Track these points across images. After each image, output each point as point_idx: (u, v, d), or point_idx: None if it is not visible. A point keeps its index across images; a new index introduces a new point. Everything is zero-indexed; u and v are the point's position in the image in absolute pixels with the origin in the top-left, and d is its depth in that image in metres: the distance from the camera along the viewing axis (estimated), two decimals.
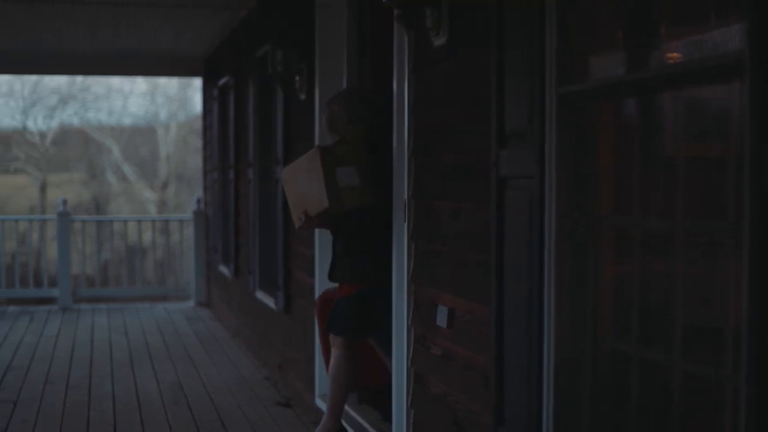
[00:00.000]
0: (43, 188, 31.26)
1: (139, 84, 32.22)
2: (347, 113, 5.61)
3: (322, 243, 7.06)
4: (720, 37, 2.78)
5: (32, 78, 29.84)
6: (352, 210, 5.32)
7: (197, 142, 24.08)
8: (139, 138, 33.22)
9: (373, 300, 5.51)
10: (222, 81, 12.18)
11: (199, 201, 14.37)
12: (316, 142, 7.12)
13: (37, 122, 31.43)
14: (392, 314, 5.44)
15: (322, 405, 6.88)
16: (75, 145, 33.18)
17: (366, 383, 6.13)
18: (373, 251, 5.48)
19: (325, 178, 5.13)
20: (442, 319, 4.65)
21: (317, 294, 7.12)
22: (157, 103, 32.63)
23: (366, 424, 6.34)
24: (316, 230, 7.10)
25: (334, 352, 5.67)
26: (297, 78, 7.69)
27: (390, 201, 5.43)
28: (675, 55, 3.05)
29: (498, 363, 3.96)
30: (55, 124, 31.75)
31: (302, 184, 5.34)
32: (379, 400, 6.42)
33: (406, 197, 5.13)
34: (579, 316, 3.54)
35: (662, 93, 3.12)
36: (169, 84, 31.49)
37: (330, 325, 5.67)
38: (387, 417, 5.71)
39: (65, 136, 32.70)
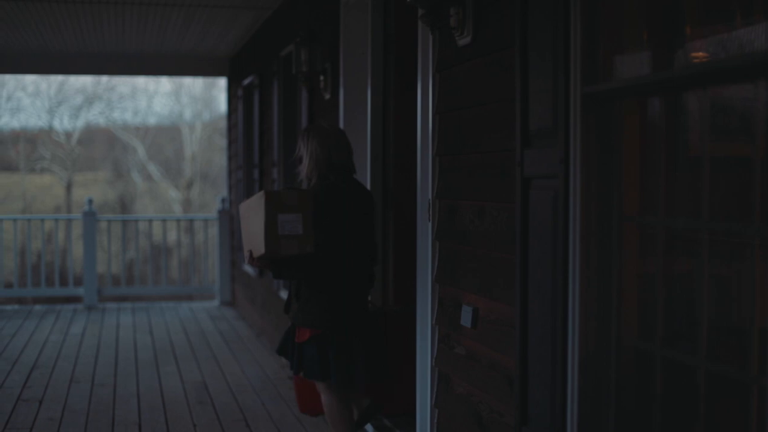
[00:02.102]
0: (68, 187, 31.41)
1: (164, 84, 32.37)
2: (308, 149, 5.53)
3: None
4: (746, 36, 2.77)
5: (58, 78, 30.01)
6: (292, 256, 5.25)
7: (222, 142, 24.14)
8: (164, 137, 33.33)
9: (330, 346, 5.44)
10: (247, 81, 12.20)
11: (224, 200, 14.41)
12: None
13: (62, 122, 31.62)
14: (358, 357, 5.41)
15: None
16: (100, 145, 33.33)
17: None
18: (324, 298, 5.39)
19: (266, 224, 5.11)
20: (466, 319, 4.65)
21: None
22: (182, 103, 32.76)
23: (390, 424, 6.34)
24: None
25: (322, 398, 5.61)
26: (321, 77, 7.70)
27: (350, 249, 5.37)
28: (701, 54, 3.04)
29: (522, 363, 3.96)
30: (80, 123, 31.92)
31: (249, 224, 5.35)
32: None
33: (430, 197, 5.13)
34: (603, 315, 3.53)
35: (688, 92, 3.11)
36: (193, 84, 31.61)
37: (298, 370, 5.61)
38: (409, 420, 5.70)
39: (91, 135, 32.86)
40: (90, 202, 14.10)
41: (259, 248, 5.19)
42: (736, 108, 2.89)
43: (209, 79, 27.12)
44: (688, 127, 3.11)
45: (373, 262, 5.63)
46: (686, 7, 3.11)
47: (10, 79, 29.87)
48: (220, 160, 29.04)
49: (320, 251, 5.27)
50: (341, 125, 7.12)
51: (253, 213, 5.26)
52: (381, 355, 5.57)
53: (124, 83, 31.51)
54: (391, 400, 6.30)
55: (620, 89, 3.47)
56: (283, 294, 9.54)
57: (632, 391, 3.40)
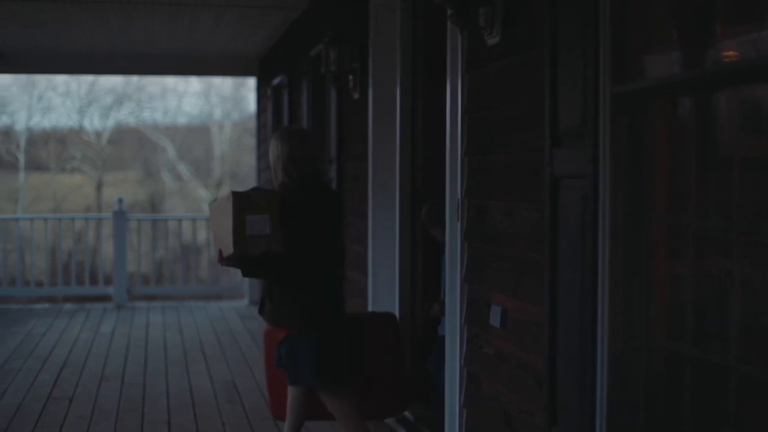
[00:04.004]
0: (99, 187, 31.55)
1: (194, 84, 32.47)
2: (274, 151, 5.58)
3: (377, 241, 7.07)
4: None
5: (88, 78, 30.14)
6: (260, 255, 5.31)
7: (251, 141, 24.20)
8: (193, 137, 33.43)
9: (298, 348, 5.44)
10: (276, 80, 12.22)
11: None
12: (371, 141, 7.13)
13: (93, 122, 31.76)
14: (338, 356, 5.42)
15: None
16: (130, 145, 33.47)
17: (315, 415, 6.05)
18: (298, 297, 5.41)
19: (234, 225, 5.21)
20: (495, 319, 4.64)
21: (371, 293, 7.14)
22: (212, 103, 32.85)
23: (418, 423, 6.34)
24: (370, 228, 7.11)
25: (323, 399, 5.64)
26: (350, 77, 7.70)
27: (319, 248, 5.40)
28: (732, 53, 3.03)
29: (551, 363, 3.95)
30: (110, 123, 32.06)
31: (219, 224, 5.44)
32: (431, 400, 6.42)
33: (459, 197, 5.13)
34: (633, 316, 3.52)
35: (718, 92, 3.09)
36: (223, 84, 31.69)
37: (293, 379, 5.63)
38: (439, 416, 5.70)
39: (121, 135, 33.00)
40: (120, 201, 14.16)
41: (228, 248, 5.27)
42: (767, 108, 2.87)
43: (239, 79, 27.20)
44: (718, 127, 3.09)
45: (341, 263, 5.65)
46: (717, 6, 3.10)
47: (41, 79, 30.04)
48: (249, 159, 29.05)
49: (288, 251, 5.30)
50: (370, 125, 7.12)
51: (221, 213, 5.35)
52: (360, 353, 5.58)
53: (153, 83, 31.66)
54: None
55: (650, 89, 3.45)
56: None
57: (662, 391, 3.38)
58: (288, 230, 5.27)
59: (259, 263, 5.33)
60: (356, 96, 7.61)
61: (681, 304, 3.29)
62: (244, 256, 5.28)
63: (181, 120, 33.53)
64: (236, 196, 5.25)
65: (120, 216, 13.89)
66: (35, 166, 31.82)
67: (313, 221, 5.37)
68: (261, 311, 5.61)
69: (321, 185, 5.56)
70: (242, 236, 5.21)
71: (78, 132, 31.70)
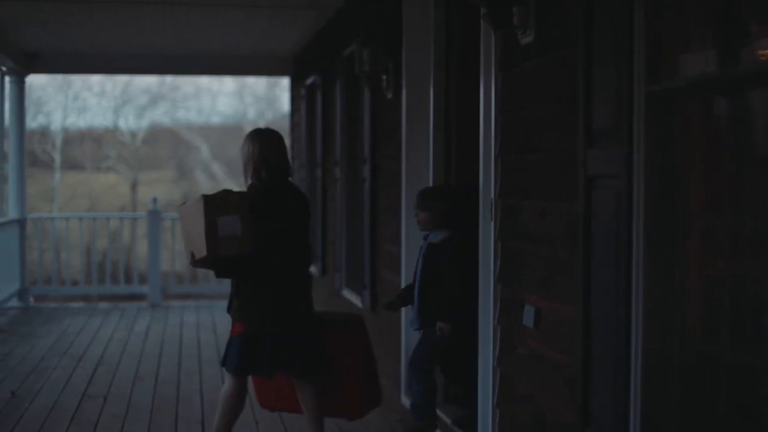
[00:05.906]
0: (133, 186, 31.68)
1: (228, 83, 32.56)
2: (245, 153, 5.74)
3: (410, 241, 7.06)
4: None
5: (123, 78, 30.26)
6: (232, 256, 5.40)
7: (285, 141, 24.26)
8: (227, 137, 33.54)
9: (259, 344, 5.57)
10: (310, 80, 12.23)
11: None
12: (404, 141, 7.12)
13: (128, 122, 31.89)
14: (294, 352, 5.50)
15: (408, 403, 6.89)
16: (165, 144, 33.59)
17: (282, 407, 6.14)
18: (263, 298, 5.57)
19: (206, 227, 5.33)
20: (528, 319, 4.63)
21: None
22: (246, 103, 32.94)
23: (450, 423, 6.33)
24: (403, 228, 7.10)
25: (225, 384, 5.86)
26: (384, 77, 7.70)
27: (286, 249, 5.49)
28: (767, 52, 3.00)
29: (585, 363, 3.93)
30: (145, 123, 32.19)
31: (190, 226, 5.54)
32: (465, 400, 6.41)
33: (492, 196, 5.11)
34: (667, 317, 3.50)
35: (753, 90, 3.07)
36: (257, 83, 31.77)
37: (222, 359, 5.81)
38: (473, 416, 5.69)
39: (155, 135, 33.13)
40: (155, 201, 14.22)
41: (201, 250, 5.37)
42: None
43: (272, 79, 27.23)
44: (754, 126, 3.07)
45: (308, 263, 5.77)
46: (752, 4, 3.07)
47: (77, 79, 30.19)
48: None
49: (260, 251, 5.39)
50: (403, 125, 7.11)
51: (192, 216, 5.47)
52: (318, 350, 5.71)
53: (188, 83, 31.77)
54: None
55: (684, 87, 3.43)
56: (346, 293, 9.56)
57: (696, 393, 3.36)
58: (259, 232, 5.38)
59: (231, 263, 5.45)
60: (390, 96, 7.60)
61: (716, 305, 3.27)
62: (216, 257, 5.38)
63: (215, 120, 33.68)
64: (207, 199, 5.36)
65: (154, 215, 13.94)
66: (70, 165, 31.99)
67: (283, 222, 5.49)
68: (229, 310, 5.73)
69: (290, 187, 5.70)
70: (214, 238, 5.32)
71: (113, 132, 31.84)
